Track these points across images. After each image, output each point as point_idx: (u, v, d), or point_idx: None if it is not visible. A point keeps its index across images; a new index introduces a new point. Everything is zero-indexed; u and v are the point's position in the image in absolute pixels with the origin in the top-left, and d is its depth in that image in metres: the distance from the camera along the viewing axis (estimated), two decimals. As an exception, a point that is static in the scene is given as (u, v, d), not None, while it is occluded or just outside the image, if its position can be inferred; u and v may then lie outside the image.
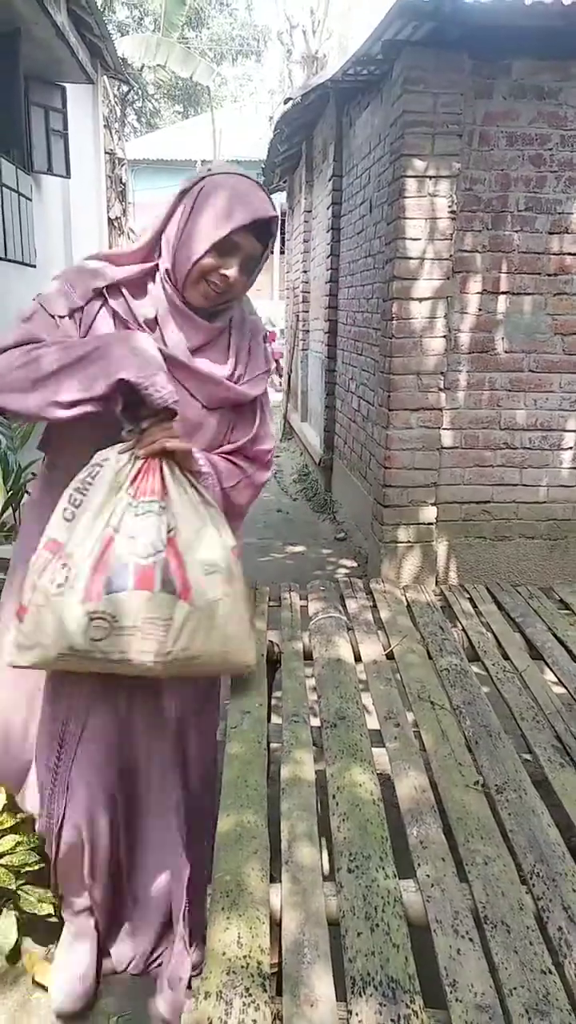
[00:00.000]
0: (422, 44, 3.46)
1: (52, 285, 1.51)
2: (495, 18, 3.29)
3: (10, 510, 3.01)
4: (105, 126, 9.50)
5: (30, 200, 4.96)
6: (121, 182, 11.53)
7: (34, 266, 5.09)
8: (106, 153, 9.72)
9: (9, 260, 4.72)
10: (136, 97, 19.40)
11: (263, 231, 1.48)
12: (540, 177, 3.71)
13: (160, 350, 1.42)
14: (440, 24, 3.26)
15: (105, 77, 8.14)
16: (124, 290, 1.50)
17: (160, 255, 1.50)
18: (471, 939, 1.00)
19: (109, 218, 10.32)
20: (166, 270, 1.49)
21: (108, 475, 1.36)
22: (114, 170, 11.03)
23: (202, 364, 1.53)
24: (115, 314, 1.49)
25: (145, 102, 22.16)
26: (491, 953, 0.97)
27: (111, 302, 1.49)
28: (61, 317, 1.46)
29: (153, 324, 1.50)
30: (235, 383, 1.58)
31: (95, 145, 7.77)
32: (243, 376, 1.60)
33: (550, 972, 0.94)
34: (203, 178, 1.48)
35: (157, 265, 1.51)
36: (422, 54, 3.48)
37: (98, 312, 1.49)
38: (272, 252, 1.56)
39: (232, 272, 1.47)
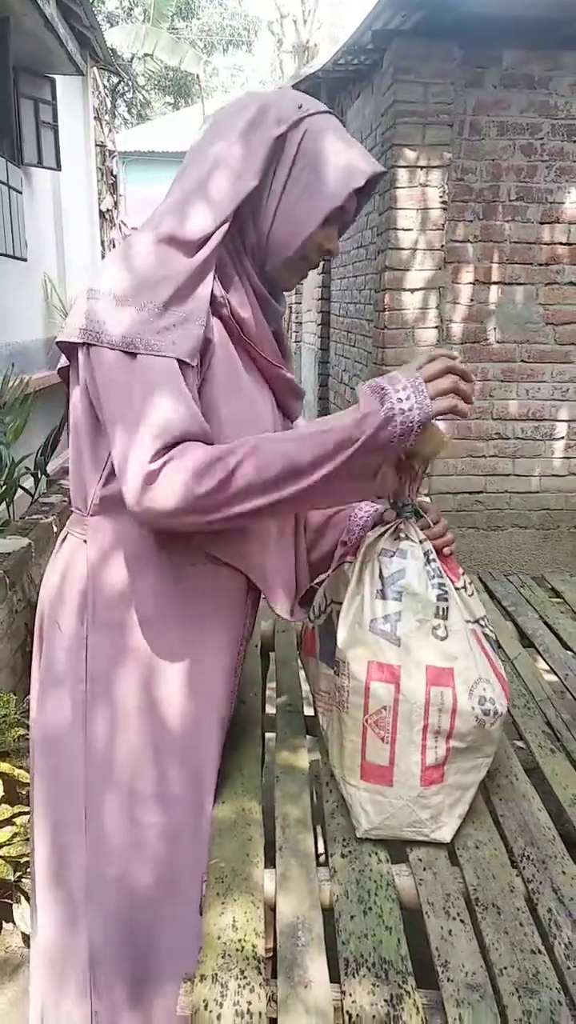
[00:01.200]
0: (412, 34, 3.46)
1: (144, 310, 1.04)
2: (485, 7, 3.29)
3: (3, 504, 3.02)
4: (95, 118, 9.45)
5: (20, 193, 4.94)
6: (112, 174, 11.49)
7: (25, 259, 5.07)
8: (97, 145, 9.68)
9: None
10: (126, 88, 19.30)
11: (365, 187, 1.19)
12: (531, 167, 3.72)
13: (261, 359, 1.18)
14: (430, 13, 3.26)
15: (95, 69, 8.10)
16: (222, 290, 1.13)
17: (233, 227, 1.12)
18: (462, 921, 1.01)
19: (100, 211, 10.28)
20: (251, 249, 1.16)
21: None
22: (105, 162, 10.98)
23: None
24: (226, 326, 1.14)
25: (135, 93, 22.04)
26: (482, 934, 0.99)
27: (222, 311, 1.13)
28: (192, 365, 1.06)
29: (251, 325, 1.17)
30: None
31: (85, 137, 7.74)
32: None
33: (540, 952, 0.96)
34: (299, 121, 1.11)
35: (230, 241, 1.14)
36: (412, 44, 3.48)
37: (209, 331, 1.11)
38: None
39: (335, 244, 1.20)
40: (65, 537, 1.24)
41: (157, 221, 1.11)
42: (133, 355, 1.03)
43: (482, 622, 1.24)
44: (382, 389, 1.05)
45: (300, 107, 1.12)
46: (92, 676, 1.18)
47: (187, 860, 1.19)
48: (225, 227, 1.09)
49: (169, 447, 1.00)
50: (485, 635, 1.23)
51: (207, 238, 1.08)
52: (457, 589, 1.23)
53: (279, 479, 1.03)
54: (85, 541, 1.18)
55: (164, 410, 1.01)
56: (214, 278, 1.10)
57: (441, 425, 1.24)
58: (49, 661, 1.22)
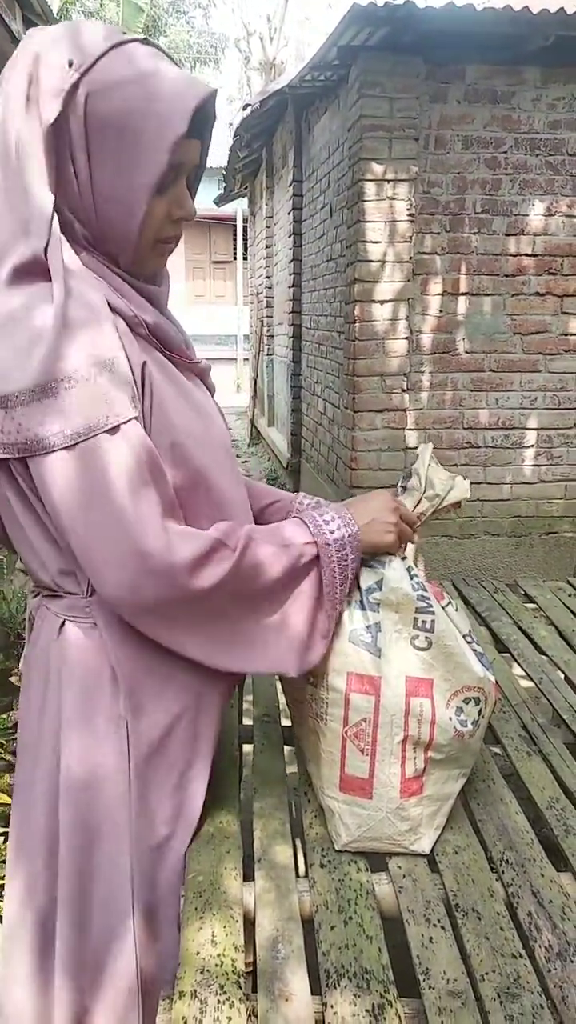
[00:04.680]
0: (377, 49, 3.50)
1: (76, 360, 0.89)
2: (448, 23, 3.35)
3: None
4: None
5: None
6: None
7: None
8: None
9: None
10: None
11: (200, 124, 0.98)
12: (496, 180, 3.77)
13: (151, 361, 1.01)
14: (394, 29, 3.31)
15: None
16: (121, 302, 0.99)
17: (57, 220, 0.92)
18: (443, 927, 1.01)
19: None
20: (86, 239, 0.98)
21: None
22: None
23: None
24: (146, 338, 1.02)
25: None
26: (463, 940, 0.99)
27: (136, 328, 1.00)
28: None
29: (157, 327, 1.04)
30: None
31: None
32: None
33: (521, 956, 0.96)
34: (74, 86, 0.89)
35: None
36: (378, 59, 3.53)
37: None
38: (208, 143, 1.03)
39: (190, 206, 1.02)
40: (63, 624, 1.08)
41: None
42: (74, 446, 0.89)
43: (468, 638, 1.24)
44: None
45: (71, 64, 0.89)
46: (136, 756, 1.06)
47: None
48: (58, 243, 0.92)
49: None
50: (474, 650, 1.23)
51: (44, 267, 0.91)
52: (443, 607, 1.23)
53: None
54: (95, 624, 1.05)
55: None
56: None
57: (465, 482, 1.28)
58: (84, 749, 1.07)
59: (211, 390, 1.19)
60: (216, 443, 1.10)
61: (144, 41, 0.95)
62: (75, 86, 0.89)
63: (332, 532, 1.09)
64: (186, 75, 0.94)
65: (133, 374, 0.95)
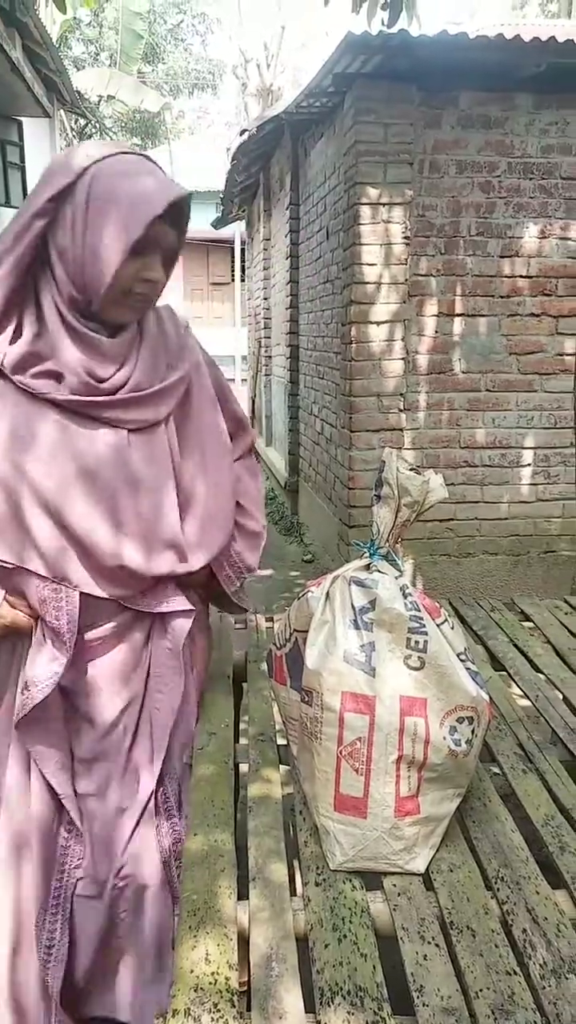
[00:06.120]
0: (372, 76, 3.56)
1: None
2: (441, 51, 3.41)
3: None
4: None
5: (-12, 232, 4.98)
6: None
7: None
8: (65, 185, 9.74)
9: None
10: (94, 131, 19.58)
11: (176, 215, 1.26)
12: (489, 203, 3.82)
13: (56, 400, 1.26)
14: (388, 57, 3.37)
15: (62, 111, 8.21)
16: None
17: (41, 278, 1.26)
18: (437, 945, 1.01)
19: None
20: (70, 296, 1.25)
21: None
22: (73, 202, 11.06)
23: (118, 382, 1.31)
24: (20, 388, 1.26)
25: (103, 135, 22.36)
26: (457, 957, 0.98)
27: (13, 377, 1.25)
28: None
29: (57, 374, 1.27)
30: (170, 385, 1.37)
31: (53, 177, 7.82)
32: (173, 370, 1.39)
33: (515, 973, 0.96)
34: (85, 169, 1.21)
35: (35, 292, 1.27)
36: (372, 86, 3.59)
37: None
38: (184, 236, 1.33)
39: (157, 274, 1.28)
40: None
41: None
42: None
43: (462, 656, 1.25)
44: None
45: (88, 155, 1.22)
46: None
47: None
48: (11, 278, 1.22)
49: None
50: (468, 669, 1.24)
51: None
52: (439, 625, 1.24)
53: None
54: None
55: None
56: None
57: (438, 477, 1.28)
58: None
59: (127, 424, 1.31)
60: (43, 482, 1.25)
61: (142, 153, 1.28)
62: (87, 167, 1.20)
63: None
64: (169, 180, 1.26)
65: None
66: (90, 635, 1.35)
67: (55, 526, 1.27)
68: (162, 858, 1.38)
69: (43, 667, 1.30)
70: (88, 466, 1.28)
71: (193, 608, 1.42)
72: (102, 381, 1.28)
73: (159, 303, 1.42)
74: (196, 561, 1.40)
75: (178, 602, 1.40)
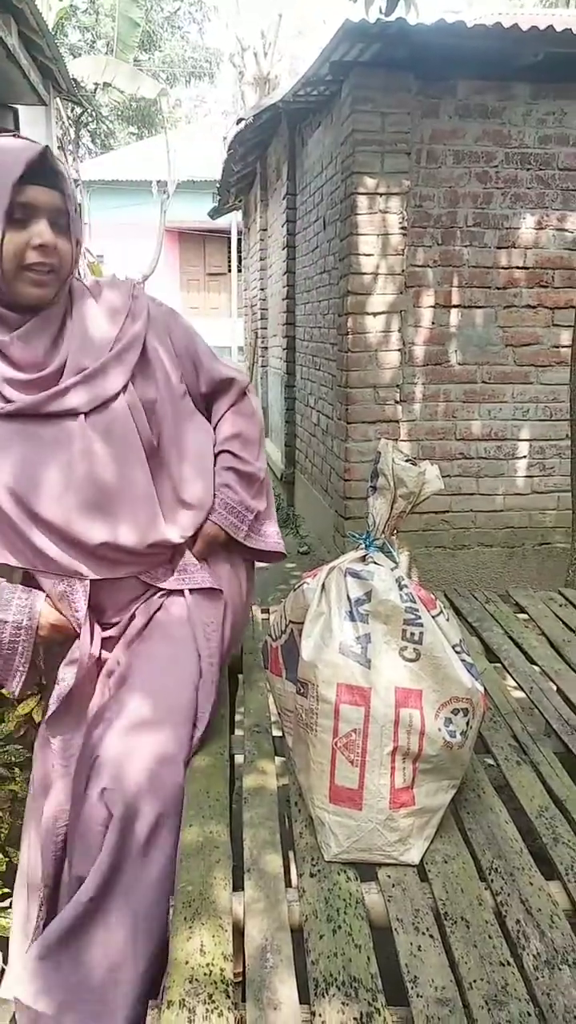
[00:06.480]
0: (369, 65, 3.54)
1: None
2: (439, 40, 3.39)
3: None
4: (59, 147, 9.50)
5: (-17, 221, 4.94)
6: (76, 202, 11.51)
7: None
8: (60, 174, 9.68)
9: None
10: (90, 119, 19.46)
11: (50, 177, 1.26)
12: (487, 193, 3.81)
13: None
14: (386, 45, 3.34)
15: (58, 99, 8.15)
16: None
17: None
18: (431, 936, 1.01)
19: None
20: None
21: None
22: (69, 191, 10.99)
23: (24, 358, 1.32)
24: None
25: (99, 124, 22.21)
26: (451, 948, 0.99)
27: None
28: None
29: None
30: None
31: (49, 166, 7.76)
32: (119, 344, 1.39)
33: (509, 964, 0.96)
34: None
35: None
36: (370, 75, 3.56)
37: None
38: (73, 199, 1.33)
39: (47, 237, 1.26)
40: None
41: None
42: None
43: (458, 648, 1.25)
44: None
45: None
46: None
47: None
48: None
49: None
50: (463, 661, 1.24)
51: None
52: (434, 617, 1.24)
53: None
54: None
55: None
56: None
57: (434, 468, 1.28)
58: None
59: (77, 409, 1.34)
60: (16, 488, 1.31)
61: (8, 129, 1.30)
62: None
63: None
64: (26, 142, 1.26)
65: None
66: (124, 616, 1.45)
67: (37, 525, 1.33)
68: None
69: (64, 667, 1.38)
70: (47, 461, 1.32)
71: (215, 588, 1.49)
72: (39, 369, 1.32)
73: (107, 277, 1.47)
74: (185, 520, 1.46)
75: (199, 578, 1.48)
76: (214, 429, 1.59)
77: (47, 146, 1.26)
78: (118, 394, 1.38)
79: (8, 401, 1.32)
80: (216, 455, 1.57)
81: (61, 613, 1.38)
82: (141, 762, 1.27)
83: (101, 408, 1.36)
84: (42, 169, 1.25)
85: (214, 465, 1.55)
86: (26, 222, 1.24)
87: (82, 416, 1.35)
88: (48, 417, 1.34)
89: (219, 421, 1.59)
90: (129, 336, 1.41)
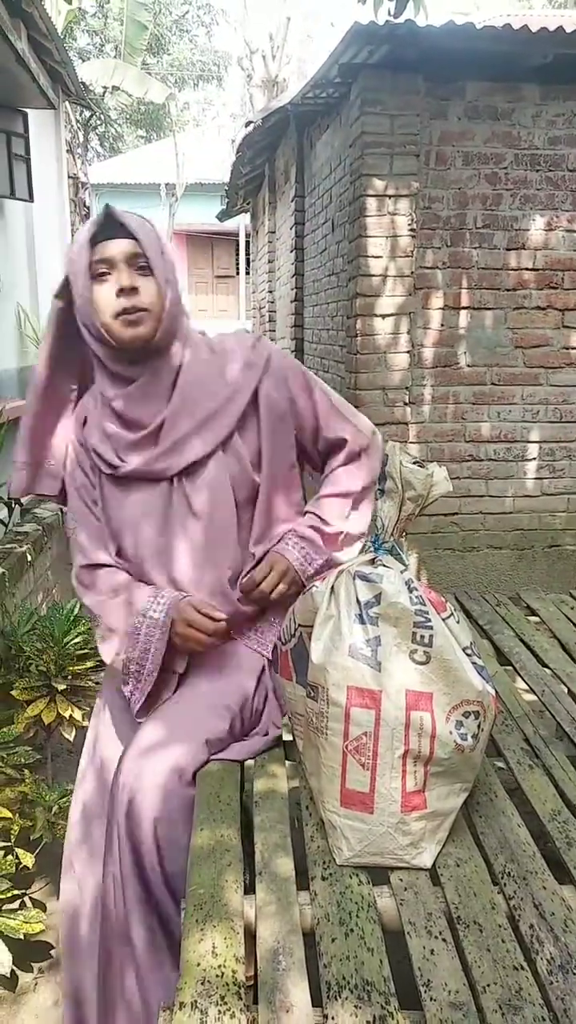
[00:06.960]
0: (378, 67, 3.53)
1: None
2: (448, 42, 3.38)
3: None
4: (68, 151, 9.53)
5: (-7, 224, 4.96)
6: (85, 206, 11.57)
7: (-4, 292, 5.07)
8: (69, 177, 9.73)
9: (-28, 285, 4.72)
10: (99, 122, 19.51)
11: (118, 229, 1.37)
12: (496, 195, 3.80)
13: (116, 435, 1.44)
14: (395, 47, 3.34)
15: (67, 103, 8.18)
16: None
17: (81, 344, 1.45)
18: (444, 939, 1.01)
19: (73, 242, 10.31)
20: (94, 345, 1.42)
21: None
22: (78, 194, 11.06)
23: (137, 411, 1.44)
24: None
25: (108, 127, 22.27)
26: (464, 952, 0.98)
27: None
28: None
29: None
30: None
31: (58, 170, 7.78)
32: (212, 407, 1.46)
33: (522, 968, 0.95)
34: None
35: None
36: (379, 77, 3.56)
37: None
38: (153, 242, 1.39)
39: (127, 281, 1.35)
40: None
41: None
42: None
43: (468, 650, 1.25)
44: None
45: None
46: None
47: None
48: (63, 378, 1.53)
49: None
50: (474, 663, 1.23)
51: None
52: (444, 619, 1.23)
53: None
54: None
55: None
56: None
57: (442, 470, 1.28)
58: None
59: (168, 471, 1.43)
60: (128, 547, 1.48)
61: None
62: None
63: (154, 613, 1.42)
64: (96, 217, 1.39)
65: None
66: None
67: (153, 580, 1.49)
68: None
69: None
70: (141, 523, 1.45)
71: (263, 654, 1.53)
72: (141, 428, 1.42)
73: (232, 332, 1.57)
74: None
75: (255, 641, 1.53)
76: (323, 481, 1.58)
77: (108, 204, 1.39)
78: (214, 451, 1.43)
79: (116, 464, 1.44)
80: (303, 513, 1.56)
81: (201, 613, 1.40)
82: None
83: (194, 467, 1.43)
84: (110, 224, 1.36)
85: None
86: (107, 274, 1.36)
87: (172, 479, 1.44)
88: (140, 480, 1.44)
89: (325, 478, 1.58)
90: (239, 385, 1.45)
